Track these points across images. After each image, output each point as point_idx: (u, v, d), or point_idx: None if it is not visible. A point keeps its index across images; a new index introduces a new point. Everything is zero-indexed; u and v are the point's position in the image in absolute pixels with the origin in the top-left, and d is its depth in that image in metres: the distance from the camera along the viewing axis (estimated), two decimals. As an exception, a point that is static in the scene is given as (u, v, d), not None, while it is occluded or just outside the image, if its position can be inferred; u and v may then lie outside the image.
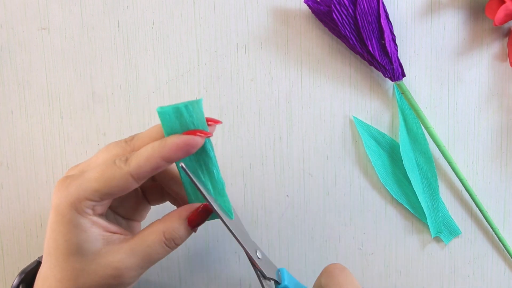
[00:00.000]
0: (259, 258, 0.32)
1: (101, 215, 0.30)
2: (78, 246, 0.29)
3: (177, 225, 0.30)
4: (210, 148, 0.31)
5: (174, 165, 0.33)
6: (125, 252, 0.30)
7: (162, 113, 0.29)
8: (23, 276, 0.34)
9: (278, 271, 0.33)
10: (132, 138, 0.31)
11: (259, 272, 0.32)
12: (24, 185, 0.41)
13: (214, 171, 0.31)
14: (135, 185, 0.29)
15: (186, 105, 0.29)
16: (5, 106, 0.41)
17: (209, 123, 0.31)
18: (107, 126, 0.41)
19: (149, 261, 0.30)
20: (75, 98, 0.41)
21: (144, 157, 0.29)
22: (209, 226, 0.41)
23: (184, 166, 0.30)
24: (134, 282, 0.31)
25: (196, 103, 0.30)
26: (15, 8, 0.40)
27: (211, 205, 0.30)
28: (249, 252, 0.31)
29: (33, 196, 0.41)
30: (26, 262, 0.41)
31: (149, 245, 0.30)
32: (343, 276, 0.31)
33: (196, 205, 0.31)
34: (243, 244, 0.31)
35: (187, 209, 0.31)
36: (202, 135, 0.29)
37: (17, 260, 0.41)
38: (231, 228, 0.31)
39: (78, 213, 0.29)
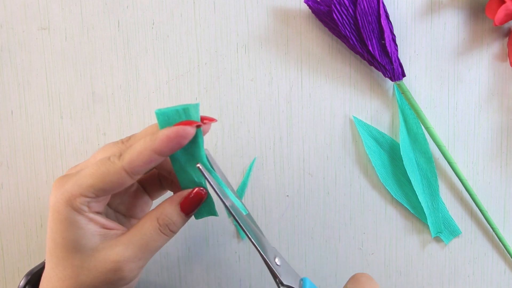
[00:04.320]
0: (277, 265, 0.31)
1: (98, 213, 0.30)
2: (75, 243, 0.29)
3: (170, 211, 0.31)
4: (203, 151, 0.31)
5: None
6: (122, 244, 0.30)
7: (160, 114, 0.29)
8: (29, 277, 0.34)
9: (301, 280, 0.32)
10: (128, 138, 0.31)
11: (277, 280, 0.31)
12: (24, 185, 0.41)
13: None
14: (130, 180, 0.29)
15: (185, 108, 0.29)
16: (5, 106, 0.41)
17: (204, 121, 0.31)
18: (107, 126, 0.41)
19: (147, 250, 0.30)
20: (75, 98, 0.41)
21: (137, 152, 0.29)
22: (209, 226, 0.41)
23: (200, 167, 0.30)
24: (135, 277, 0.31)
25: (194, 107, 0.30)
26: (15, 8, 0.40)
27: (227, 206, 0.30)
28: (266, 258, 0.31)
29: (33, 196, 0.41)
30: (26, 262, 0.41)
31: (145, 233, 0.30)
32: (369, 284, 0.31)
33: (188, 190, 0.31)
34: (259, 248, 0.31)
35: (180, 195, 0.31)
36: (193, 125, 0.29)
37: (17, 260, 0.41)
38: (246, 230, 0.30)
39: (74, 210, 0.29)
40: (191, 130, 0.29)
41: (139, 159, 0.28)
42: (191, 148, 0.31)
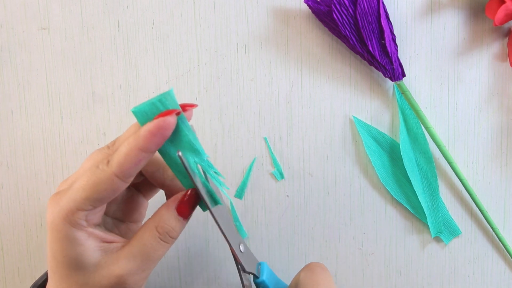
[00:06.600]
0: (241, 251, 0.32)
1: (97, 225, 0.30)
2: (77, 260, 0.29)
3: (167, 217, 0.30)
4: (190, 136, 0.30)
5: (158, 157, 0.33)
6: (124, 257, 0.29)
7: (138, 112, 0.29)
8: None
9: (259, 264, 0.33)
10: (113, 142, 0.31)
11: (239, 266, 0.32)
12: (24, 185, 0.41)
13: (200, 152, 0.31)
14: (123, 185, 0.29)
15: (160, 98, 0.29)
16: (5, 106, 0.41)
17: (186, 108, 0.30)
18: (107, 126, 0.41)
19: (149, 260, 0.30)
20: (75, 98, 0.41)
21: (123, 154, 0.28)
22: (209, 226, 0.41)
23: (180, 155, 0.29)
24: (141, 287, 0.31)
25: (168, 94, 0.29)
26: (15, 8, 0.40)
27: (198, 190, 0.30)
28: (232, 244, 0.31)
29: (33, 196, 0.41)
30: (26, 262, 0.41)
31: (145, 244, 0.30)
32: (323, 274, 0.31)
33: (182, 193, 0.31)
34: (226, 236, 0.31)
35: (174, 199, 0.31)
36: (173, 113, 0.28)
37: (17, 260, 0.41)
38: (216, 218, 0.30)
39: (73, 226, 0.28)
40: (171, 120, 0.28)
41: (127, 161, 0.28)
42: (177, 137, 0.30)
